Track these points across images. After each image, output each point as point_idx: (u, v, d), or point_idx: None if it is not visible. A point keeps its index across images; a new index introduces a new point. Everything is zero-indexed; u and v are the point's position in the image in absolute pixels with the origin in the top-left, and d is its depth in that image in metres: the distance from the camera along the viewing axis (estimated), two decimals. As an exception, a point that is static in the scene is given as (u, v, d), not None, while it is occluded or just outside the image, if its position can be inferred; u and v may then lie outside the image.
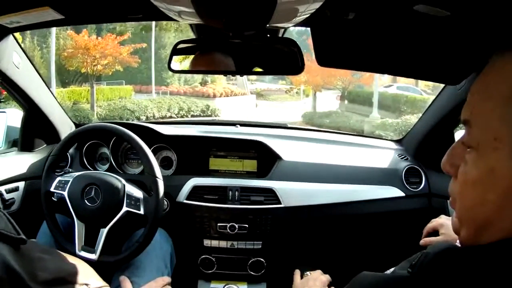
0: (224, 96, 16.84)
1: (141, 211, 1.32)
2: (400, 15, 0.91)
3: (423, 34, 0.96)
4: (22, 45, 1.40)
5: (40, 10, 1.09)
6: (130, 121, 1.98)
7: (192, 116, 14.36)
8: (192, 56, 1.25)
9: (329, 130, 2.58)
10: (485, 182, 0.46)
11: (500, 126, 0.45)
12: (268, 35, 1.16)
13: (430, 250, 0.50)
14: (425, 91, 14.97)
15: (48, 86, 1.72)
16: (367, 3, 0.89)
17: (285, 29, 1.25)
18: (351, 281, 0.56)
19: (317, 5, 0.81)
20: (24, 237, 0.56)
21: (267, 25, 0.91)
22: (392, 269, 0.56)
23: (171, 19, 0.99)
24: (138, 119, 12.60)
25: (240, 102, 17.13)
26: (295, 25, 0.99)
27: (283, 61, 1.18)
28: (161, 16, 0.95)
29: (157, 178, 1.33)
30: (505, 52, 0.47)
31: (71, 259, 0.69)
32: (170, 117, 13.65)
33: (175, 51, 1.22)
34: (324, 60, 1.06)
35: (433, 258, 0.48)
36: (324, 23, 0.97)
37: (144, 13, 1.13)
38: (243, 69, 1.20)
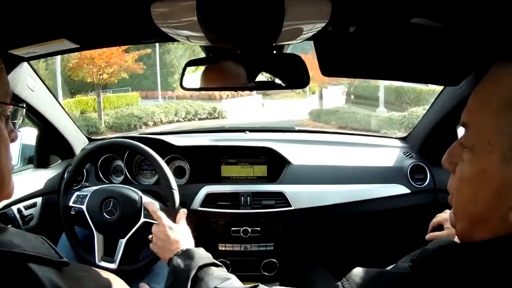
0: (231, 98, 16.74)
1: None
2: (398, 27, 0.95)
3: (420, 42, 1.00)
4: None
5: (57, 42, 1.12)
6: (142, 134, 2.00)
7: (200, 119, 14.36)
8: (203, 69, 1.26)
9: (335, 131, 2.61)
10: (478, 180, 0.51)
11: (493, 132, 0.49)
12: (274, 51, 1.19)
13: (430, 247, 0.54)
14: (430, 82, 14.71)
15: (56, 97, 1.75)
16: (366, 17, 0.93)
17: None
18: (350, 274, 0.58)
19: (321, 24, 0.85)
20: (66, 260, 0.60)
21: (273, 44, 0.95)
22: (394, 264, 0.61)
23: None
24: (146, 125, 12.60)
25: (247, 103, 17.01)
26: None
27: (290, 77, 1.21)
28: (174, 39, 0.98)
29: (173, 190, 1.35)
30: (503, 63, 0.51)
31: (105, 274, 0.74)
32: (178, 121, 13.67)
33: (186, 69, 1.25)
34: (328, 70, 1.10)
35: (431, 255, 0.52)
36: (327, 37, 1.01)
37: (156, 37, 1.16)
38: (251, 86, 1.23)
